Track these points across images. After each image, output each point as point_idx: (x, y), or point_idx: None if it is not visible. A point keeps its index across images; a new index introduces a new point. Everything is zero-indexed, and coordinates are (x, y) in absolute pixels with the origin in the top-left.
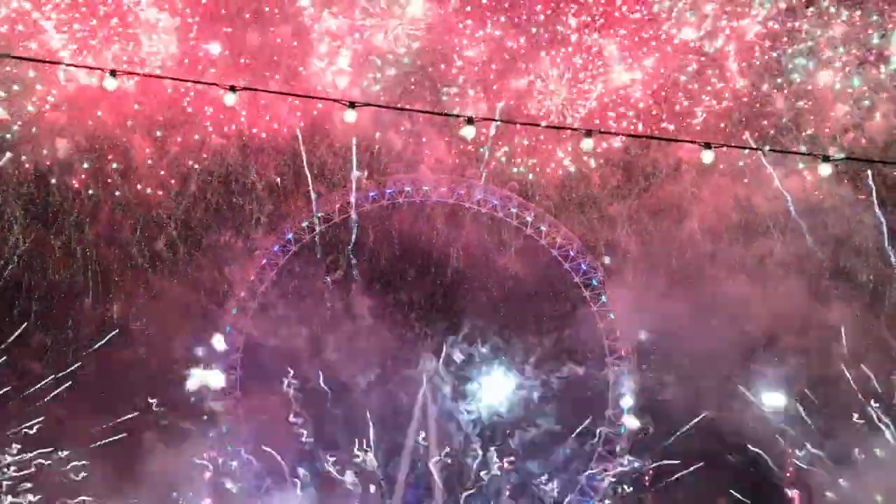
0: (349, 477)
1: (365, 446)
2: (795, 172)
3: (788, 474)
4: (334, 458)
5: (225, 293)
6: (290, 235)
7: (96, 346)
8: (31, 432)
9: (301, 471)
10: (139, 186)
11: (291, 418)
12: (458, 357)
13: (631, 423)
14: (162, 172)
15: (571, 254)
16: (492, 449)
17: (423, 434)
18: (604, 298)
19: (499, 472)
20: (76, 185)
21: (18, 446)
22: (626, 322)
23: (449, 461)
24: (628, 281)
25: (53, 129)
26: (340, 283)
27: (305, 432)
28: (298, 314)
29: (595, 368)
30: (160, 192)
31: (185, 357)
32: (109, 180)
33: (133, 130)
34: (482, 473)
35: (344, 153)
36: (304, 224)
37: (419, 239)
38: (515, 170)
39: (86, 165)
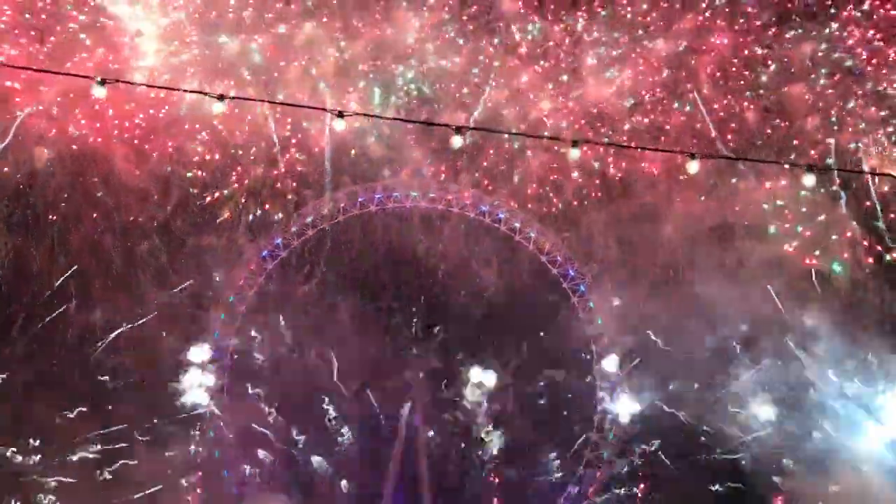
0: (338, 483)
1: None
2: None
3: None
4: (322, 465)
5: (212, 299)
6: (278, 240)
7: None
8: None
9: (286, 476)
10: (120, 193)
11: (273, 423)
12: (443, 364)
13: (619, 428)
14: (141, 178)
15: (559, 259)
16: (478, 455)
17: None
18: (591, 304)
19: (486, 479)
20: (56, 192)
21: None
22: (614, 328)
23: (436, 466)
24: (613, 287)
25: (33, 136)
26: (324, 289)
27: (290, 438)
28: (285, 320)
29: (582, 374)
30: (142, 200)
31: (171, 363)
32: (91, 185)
33: (112, 136)
34: (467, 479)
35: (323, 159)
36: (294, 229)
37: (403, 245)
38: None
39: (64, 174)
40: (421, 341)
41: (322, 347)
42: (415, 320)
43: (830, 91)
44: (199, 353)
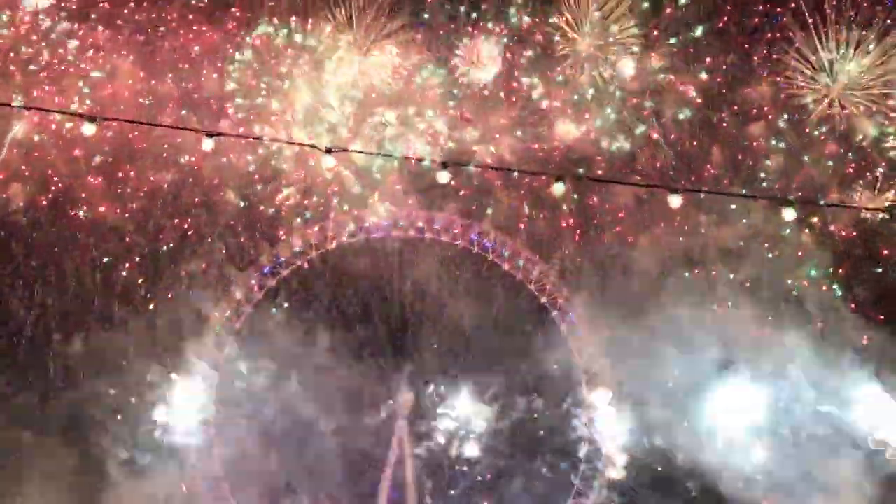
0: None
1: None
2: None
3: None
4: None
5: (199, 326)
6: (267, 269)
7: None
8: None
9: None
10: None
11: (262, 456)
12: (429, 393)
13: (609, 457)
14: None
15: (548, 287)
16: (466, 484)
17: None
18: (580, 333)
19: None
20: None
21: None
22: (601, 356)
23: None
24: (600, 315)
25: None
26: (310, 320)
27: (277, 470)
28: (272, 351)
29: (571, 403)
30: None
31: (156, 392)
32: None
33: (89, 168)
34: None
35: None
36: (282, 259)
37: (387, 274)
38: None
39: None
40: (406, 372)
41: (305, 380)
42: (401, 351)
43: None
44: (184, 383)
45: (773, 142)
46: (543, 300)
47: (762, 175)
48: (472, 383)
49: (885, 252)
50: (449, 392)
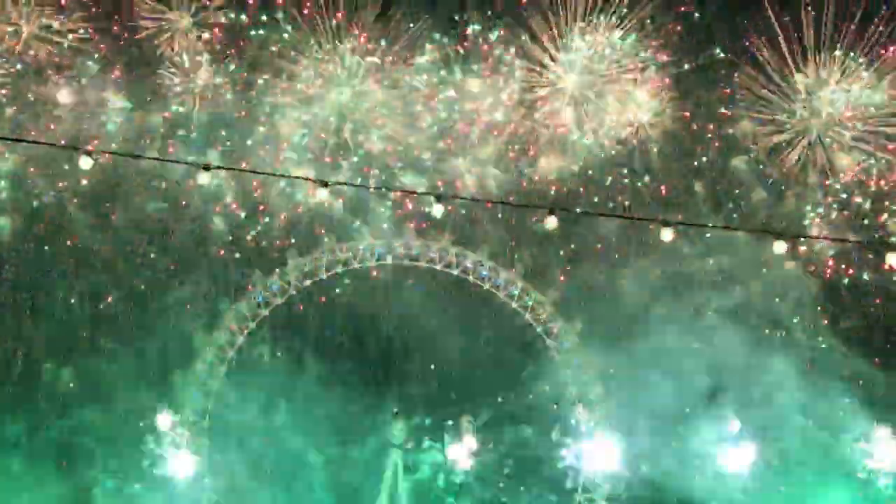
0: None
1: None
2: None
3: None
4: None
5: (190, 357)
6: (260, 297)
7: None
8: None
9: None
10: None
11: (252, 488)
12: (420, 427)
13: (599, 486)
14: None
15: (543, 317)
16: None
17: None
18: (576, 361)
19: None
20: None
21: None
22: (598, 385)
23: None
24: (595, 344)
25: None
26: (301, 350)
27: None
28: (263, 382)
29: (566, 434)
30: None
31: (146, 423)
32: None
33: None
34: None
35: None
36: (275, 287)
37: (381, 303)
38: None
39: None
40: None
41: (295, 410)
42: (390, 383)
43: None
44: (171, 417)
45: (754, 176)
46: (539, 330)
47: (744, 208)
48: (465, 413)
49: (869, 281)
50: (442, 423)
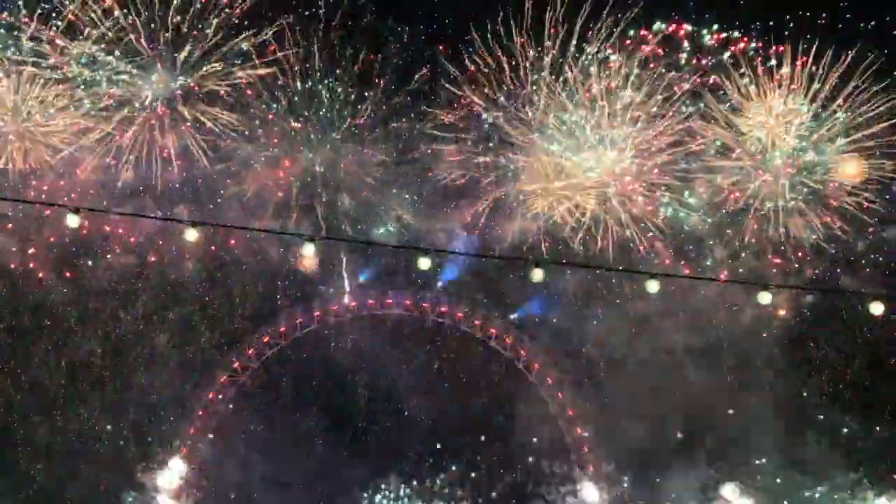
0: None
1: None
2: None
3: None
4: None
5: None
6: (250, 352)
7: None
8: None
9: None
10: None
11: None
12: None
13: None
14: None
15: (536, 366)
16: None
17: None
18: (570, 413)
19: None
20: None
21: None
22: (593, 435)
23: None
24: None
25: None
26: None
27: None
28: (253, 439)
29: (561, 484)
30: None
31: (133, 480)
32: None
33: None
34: None
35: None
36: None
37: (369, 357)
38: None
39: None
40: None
41: (282, 463)
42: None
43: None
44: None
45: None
46: (531, 378)
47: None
48: (456, 460)
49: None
50: (437, 468)
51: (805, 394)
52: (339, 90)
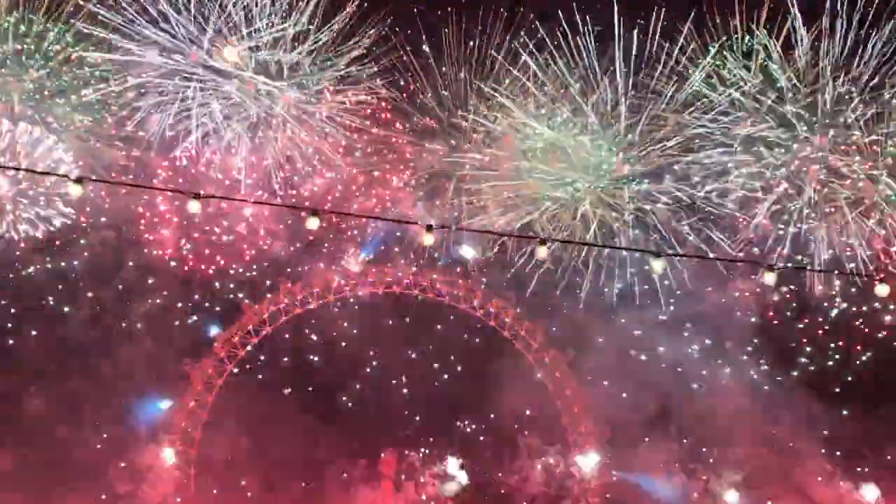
0: None
1: None
2: None
3: None
4: None
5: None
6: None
7: None
8: None
9: None
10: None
11: None
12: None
13: None
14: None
15: (535, 346)
16: None
17: None
18: (568, 392)
19: None
20: None
21: None
22: (591, 412)
23: None
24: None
25: None
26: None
27: None
28: (246, 418)
29: (559, 463)
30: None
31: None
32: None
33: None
34: None
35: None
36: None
37: (373, 337)
38: None
39: None
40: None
41: (278, 445)
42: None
43: None
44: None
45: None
46: (530, 357)
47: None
48: (455, 440)
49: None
50: (435, 450)
51: None
52: None
